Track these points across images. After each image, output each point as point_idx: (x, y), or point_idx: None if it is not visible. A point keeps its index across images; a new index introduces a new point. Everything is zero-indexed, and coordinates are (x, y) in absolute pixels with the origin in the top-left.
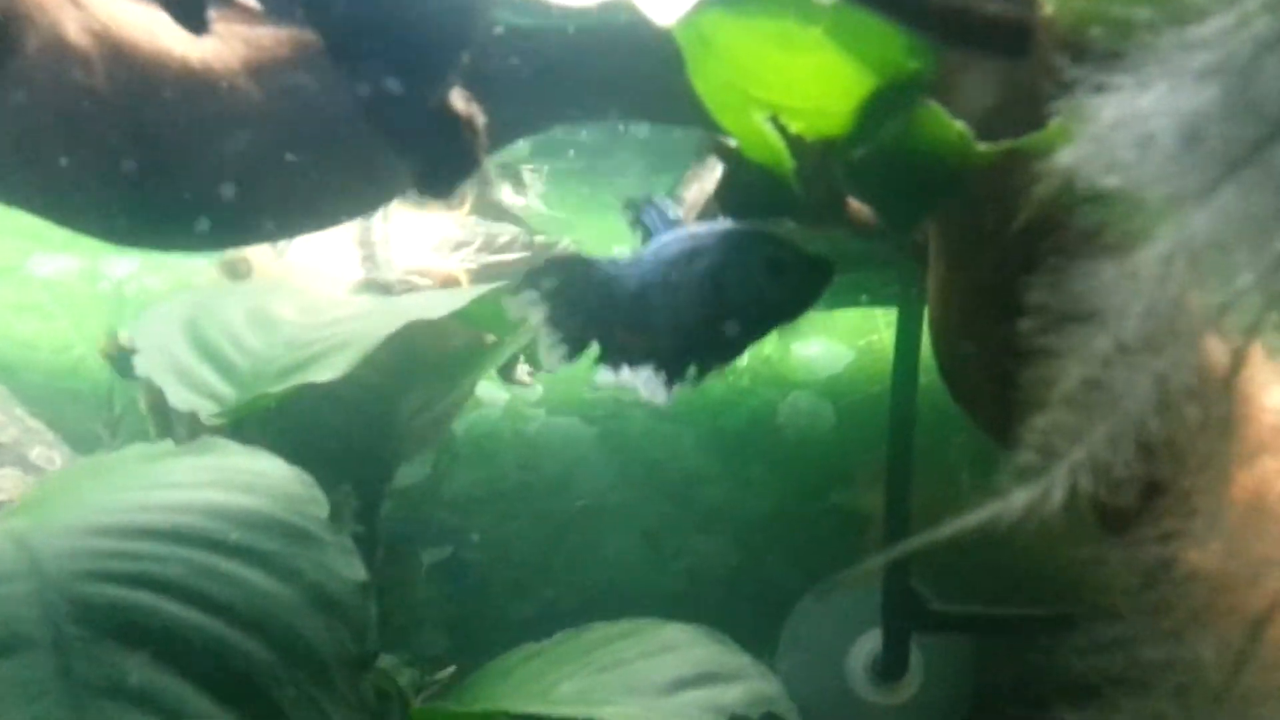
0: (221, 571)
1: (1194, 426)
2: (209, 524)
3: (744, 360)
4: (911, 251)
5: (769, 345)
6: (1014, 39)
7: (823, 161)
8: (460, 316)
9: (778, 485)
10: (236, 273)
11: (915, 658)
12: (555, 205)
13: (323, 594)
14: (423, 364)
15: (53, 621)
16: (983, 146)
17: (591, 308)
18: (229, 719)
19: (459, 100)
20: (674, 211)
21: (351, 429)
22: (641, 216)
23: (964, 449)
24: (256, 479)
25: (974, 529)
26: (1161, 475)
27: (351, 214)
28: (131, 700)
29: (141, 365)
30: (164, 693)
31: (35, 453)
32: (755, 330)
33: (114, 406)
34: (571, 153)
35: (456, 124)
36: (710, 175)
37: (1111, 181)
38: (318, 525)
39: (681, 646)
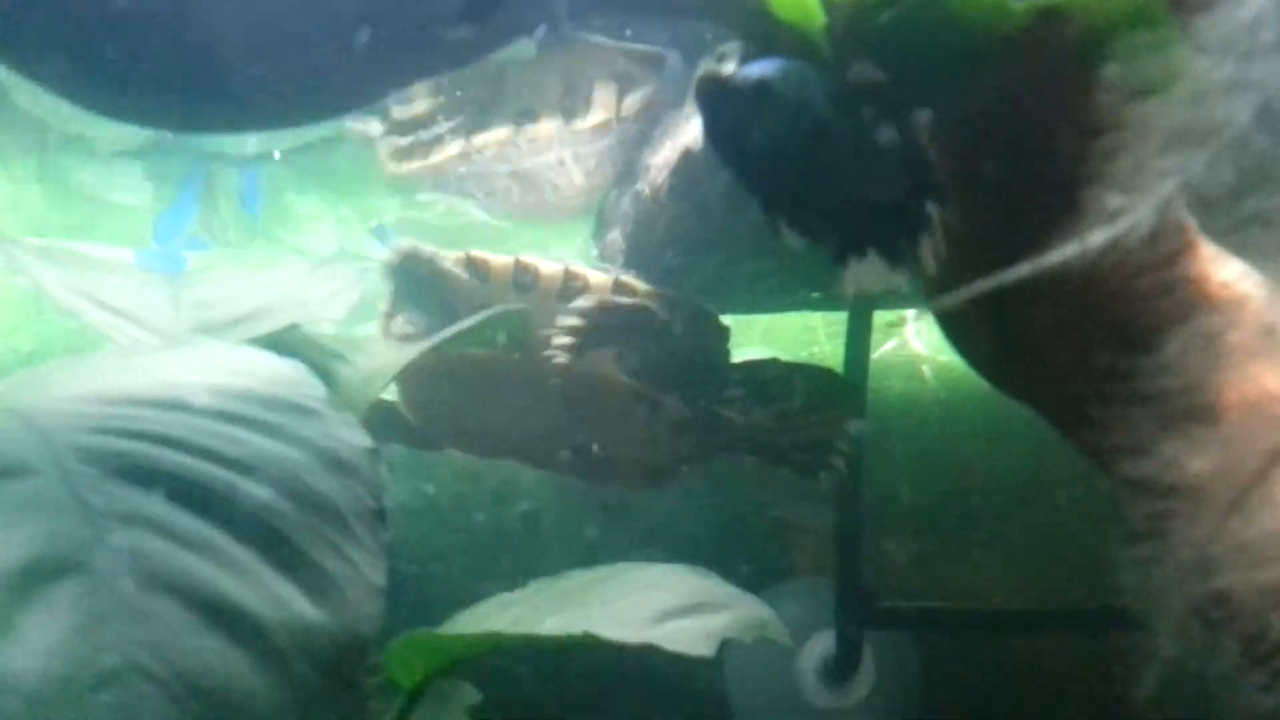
0: (227, 434)
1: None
2: (207, 399)
3: None
4: None
5: None
6: None
7: (853, 22)
8: None
9: (720, 498)
10: None
11: (866, 657)
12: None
13: (333, 457)
14: None
15: (58, 460)
16: (1018, 3)
17: None
18: (254, 556)
19: None
20: None
21: None
22: None
23: (905, 460)
24: (249, 366)
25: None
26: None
27: (376, 93)
28: (151, 529)
29: None
30: (182, 526)
31: None
32: None
33: None
34: None
35: None
36: (685, 128)
37: None
38: (318, 403)
39: (665, 583)
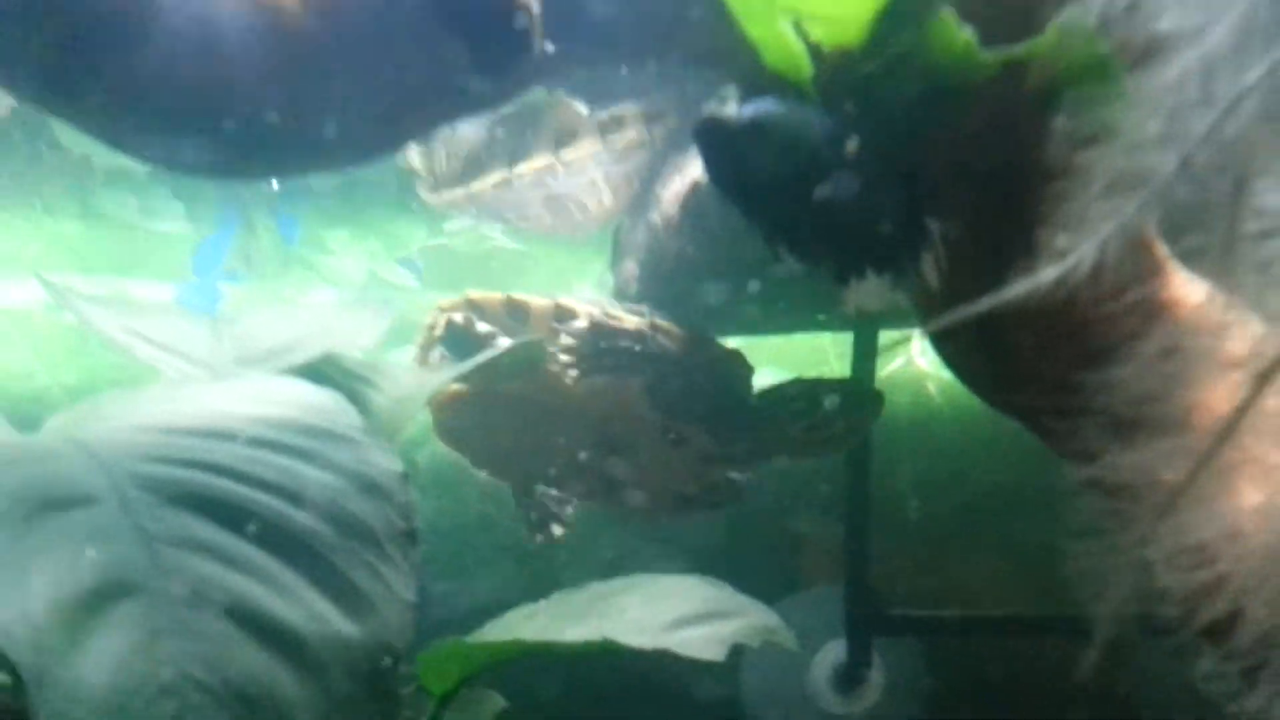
0: (269, 461)
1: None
2: (250, 428)
3: None
4: None
5: None
6: None
7: (838, 70)
8: None
9: (734, 512)
10: None
11: (876, 664)
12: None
13: (367, 481)
14: None
15: (117, 487)
16: (986, 55)
17: None
18: (296, 576)
19: None
20: None
21: None
22: None
23: (910, 475)
24: (288, 396)
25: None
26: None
27: (403, 139)
28: (202, 552)
29: None
30: (230, 549)
31: None
32: None
33: None
34: None
35: (514, 7)
36: (694, 162)
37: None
38: (353, 430)
39: (680, 593)
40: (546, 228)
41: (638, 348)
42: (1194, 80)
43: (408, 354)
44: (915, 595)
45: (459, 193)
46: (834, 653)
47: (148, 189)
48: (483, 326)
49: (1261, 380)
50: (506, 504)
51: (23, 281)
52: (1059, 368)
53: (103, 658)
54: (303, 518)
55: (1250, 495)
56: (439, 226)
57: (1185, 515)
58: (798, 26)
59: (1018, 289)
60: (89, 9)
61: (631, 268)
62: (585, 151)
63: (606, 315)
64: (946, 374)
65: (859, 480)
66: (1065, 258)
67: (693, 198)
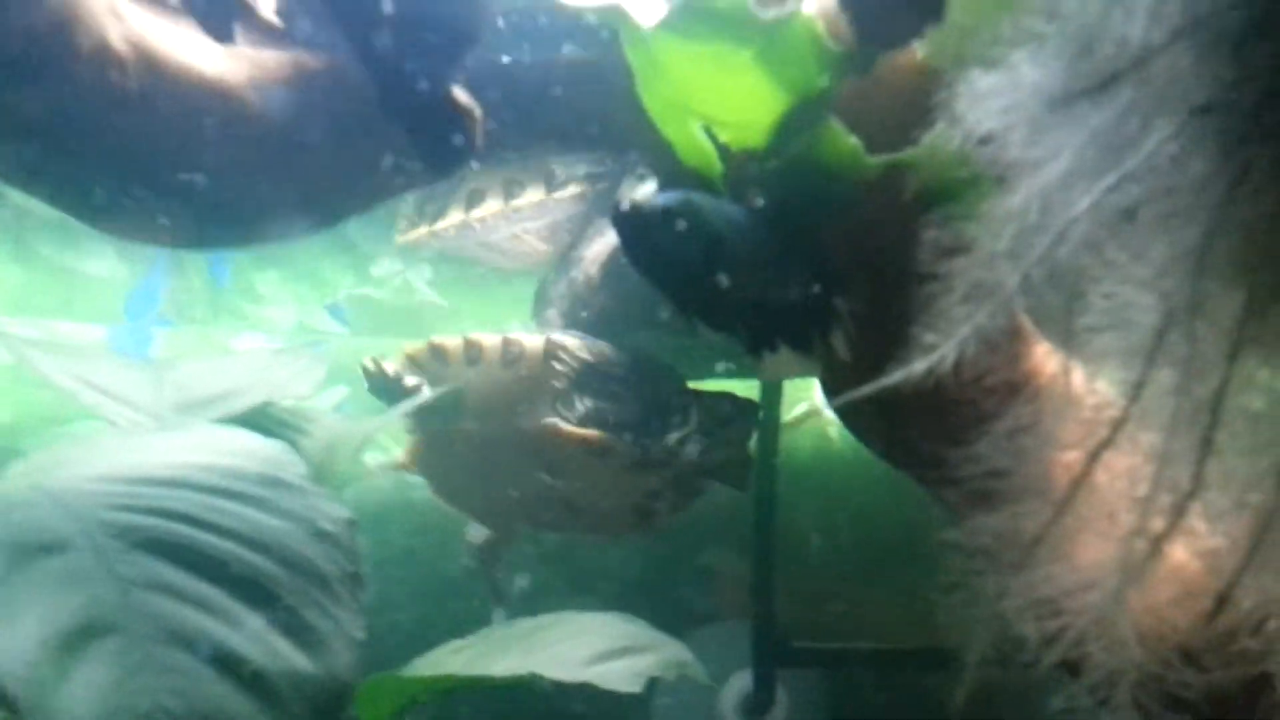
0: (225, 509)
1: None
2: (205, 476)
3: None
4: None
5: None
6: None
7: (744, 168)
8: None
9: (650, 548)
10: None
11: (781, 695)
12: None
13: (316, 528)
14: None
15: (88, 534)
16: (870, 160)
17: None
18: (255, 616)
19: (462, 93)
20: None
21: None
22: None
23: (815, 514)
24: (238, 446)
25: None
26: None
27: (344, 215)
28: (169, 594)
29: None
30: (194, 591)
31: None
32: None
33: None
34: None
35: (459, 111)
36: (611, 231)
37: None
38: (301, 479)
39: (599, 630)
40: (499, 263)
41: (554, 366)
42: (1035, 207)
43: (334, 397)
44: (820, 626)
45: (413, 236)
46: (741, 682)
47: (83, 233)
48: (390, 367)
49: (1093, 458)
50: (428, 538)
51: None
52: (930, 445)
53: (88, 691)
54: (260, 561)
55: (1097, 551)
56: (366, 269)
57: (1034, 572)
58: (708, 130)
59: (894, 378)
60: (47, 97)
61: (553, 317)
62: (491, 210)
63: (505, 343)
64: None
65: (764, 519)
66: (931, 353)
67: (612, 260)
